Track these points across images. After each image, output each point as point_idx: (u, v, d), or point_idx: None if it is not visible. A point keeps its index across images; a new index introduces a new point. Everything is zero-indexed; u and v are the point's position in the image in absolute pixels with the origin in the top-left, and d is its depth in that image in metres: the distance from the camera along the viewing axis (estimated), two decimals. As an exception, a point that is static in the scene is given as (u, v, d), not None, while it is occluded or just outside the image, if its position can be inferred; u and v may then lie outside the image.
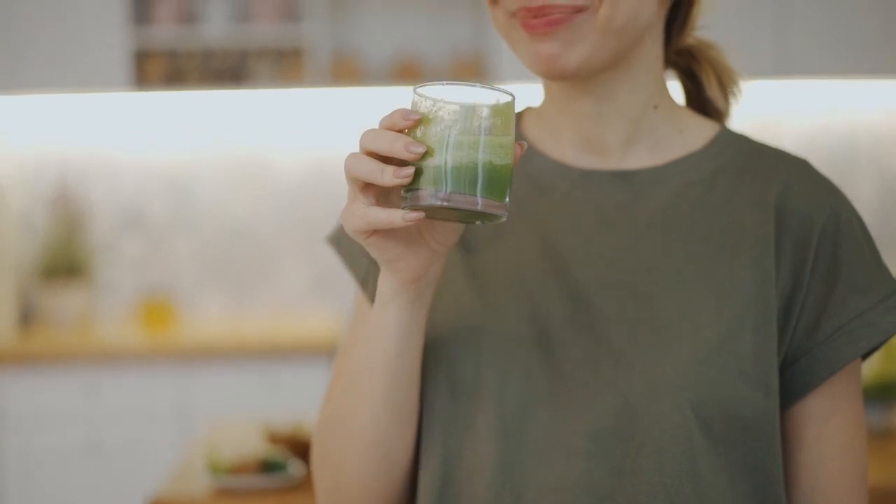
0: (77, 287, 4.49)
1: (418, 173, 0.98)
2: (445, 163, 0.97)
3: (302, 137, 4.74)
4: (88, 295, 4.55)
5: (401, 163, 0.98)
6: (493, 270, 1.16)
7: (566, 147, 1.20)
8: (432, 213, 1.00)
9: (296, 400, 3.89)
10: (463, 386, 1.13)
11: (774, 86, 4.62)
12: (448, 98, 0.99)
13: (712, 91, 1.25)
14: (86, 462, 4.12)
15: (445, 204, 0.97)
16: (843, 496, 1.15)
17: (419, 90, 1.00)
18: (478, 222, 1.01)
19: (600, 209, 1.17)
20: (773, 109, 4.72)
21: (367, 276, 1.25)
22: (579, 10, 1.07)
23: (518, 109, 1.28)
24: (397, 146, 0.97)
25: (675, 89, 1.26)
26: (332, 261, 4.69)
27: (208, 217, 4.73)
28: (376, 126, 1.00)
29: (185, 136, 4.72)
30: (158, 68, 4.52)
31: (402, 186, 0.99)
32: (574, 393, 1.09)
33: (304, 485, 2.29)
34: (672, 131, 1.20)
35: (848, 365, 1.13)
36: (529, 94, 1.30)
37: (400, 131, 0.98)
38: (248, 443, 2.54)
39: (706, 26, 1.24)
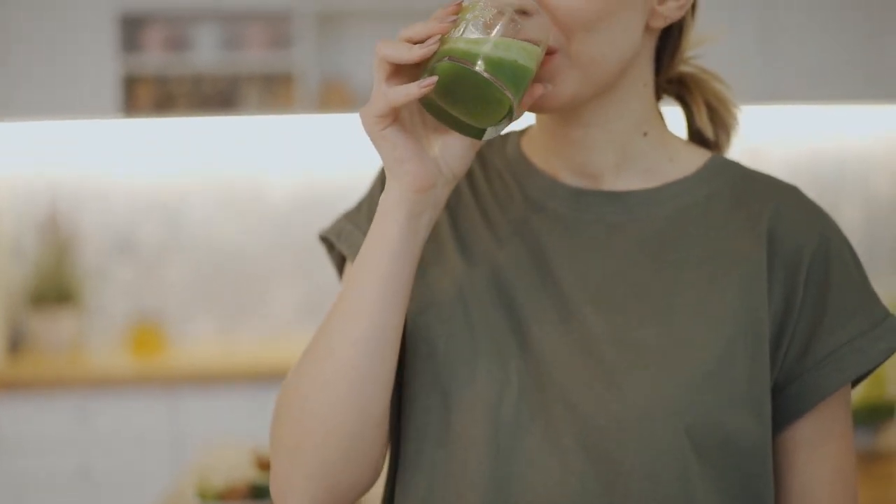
0: (67, 312, 4.48)
1: (440, 48, 1.01)
2: (471, 44, 1.00)
3: (291, 162, 4.75)
4: (79, 320, 4.55)
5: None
6: (486, 282, 1.17)
7: (559, 168, 1.21)
8: (443, 99, 1.02)
9: (286, 425, 3.89)
10: (456, 399, 1.12)
11: (762, 111, 4.65)
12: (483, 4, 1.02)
13: (702, 121, 1.25)
14: (76, 488, 4.11)
15: (458, 62, 1.00)
16: None
17: None
18: (485, 130, 1.04)
19: (593, 229, 1.17)
20: (761, 135, 4.74)
21: (353, 244, 1.24)
22: (551, 53, 1.08)
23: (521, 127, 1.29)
24: (431, 24, 1.01)
25: (675, 116, 1.26)
26: (322, 284, 4.70)
27: (199, 242, 4.74)
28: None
29: (175, 161, 4.73)
30: (148, 94, 4.53)
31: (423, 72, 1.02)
32: (567, 411, 1.10)
33: (296, 510, 2.29)
34: (662, 158, 1.20)
35: (838, 391, 1.14)
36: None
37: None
38: (238, 468, 2.54)
39: (699, 56, 1.25)
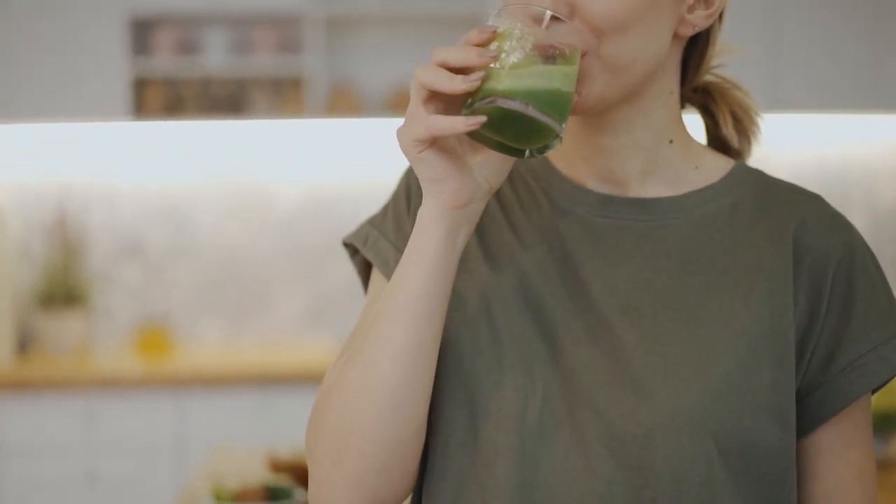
0: (75, 314, 4.50)
1: (484, 85, 1.01)
2: (514, 79, 1.00)
3: (299, 167, 4.77)
4: (86, 322, 4.56)
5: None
6: (512, 288, 1.17)
7: (585, 176, 1.21)
8: (489, 132, 1.03)
9: (294, 427, 3.88)
10: (482, 406, 1.13)
11: (767, 120, 4.66)
12: (521, 21, 1.02)
13: (727, 130, 1.27)
14: (83, 489, 4.12)
15: (507, 105, 1.00)
16: None
17: (497, 14, 1.04)
18: (529, 151, 1.04)
19: (620, 236, 1.18)
20: (766, 143, 4.75)
21: (388, 257, 1.24)
22: (582, 55, 1.08)
23: None
24: (470, 54, 1.01)
25: (697, 126, 1.27)
26: (329, 289, 4.71)
27: (206, 245, 4.75)
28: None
29: (184, 164, 4.75)
30: (158, 98, 4.55)
31: (465, 104, 1.02)
32: (594, 418, 1.10)
33: (309, 512, 2.31)
34: (688, 167, 1.21)
35: (860, 399, 1.16)
36: None
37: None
38: (251, 470, 2.56)
39: (724, 65, 1.26)
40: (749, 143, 1.30)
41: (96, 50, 4.41)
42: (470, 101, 1.02)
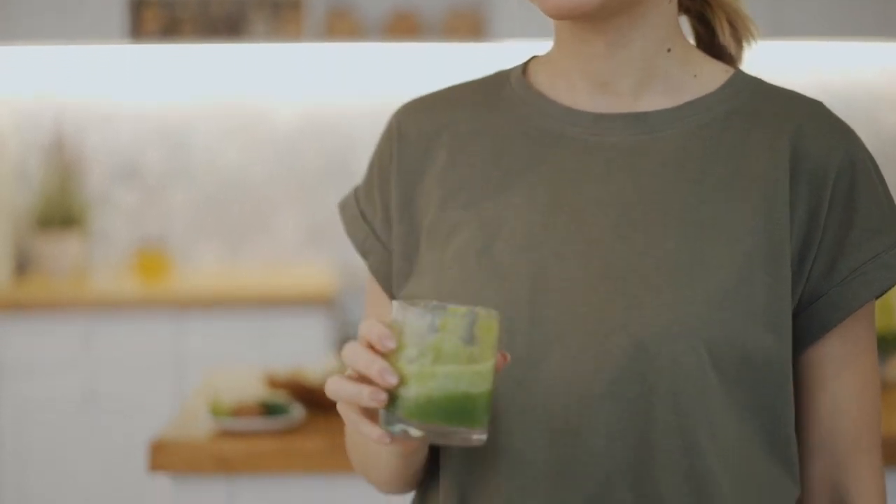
0: (72, 236, 4.50)
1: (394, 397, 1.00)
2: (419, 395, 0.99)
3: (298, 90, 4.74)
4: (84, 244, 4.56)
5: None
6: (501, 224, 1.17)
7: (579, 92, 1.20)
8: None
9: (291, 350, 3.92)
10: None
11: (769, 47, 4.63)
12: (425, 323, 1.00)
13: (725, 38, 1.26)
14: (81, 410, 4.14)
15: (417, 435, 1.00)
16: (863, 433, 1.18)
17: (401, 306, 1.01)
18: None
19: (614, 152, 1.17)
20: (769, 70, 4.72)
21: (366, 245, 1.27)
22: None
23: (523, 60, 1.29)
24: (373, 370, 1.01)
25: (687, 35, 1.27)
26: (327, 213, 4.71)
27: (204, 168, 4.74)
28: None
29: (181, 87, 4.72)
30: (155, 20, 4.51)
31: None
32: (586, 336, 1.10)
33: (306, 427, 2.32)
34: (686, 75, 1.20)
35: (863, 307, 1.16)
36: (528, 52, 1.30)
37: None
38: (248, 388, 2.57)
39: None
40: (743, 50, 1.28)
41: (93, -30, 4.37)
42: (385, 409, 1.02)
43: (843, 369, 1.17)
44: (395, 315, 1.02)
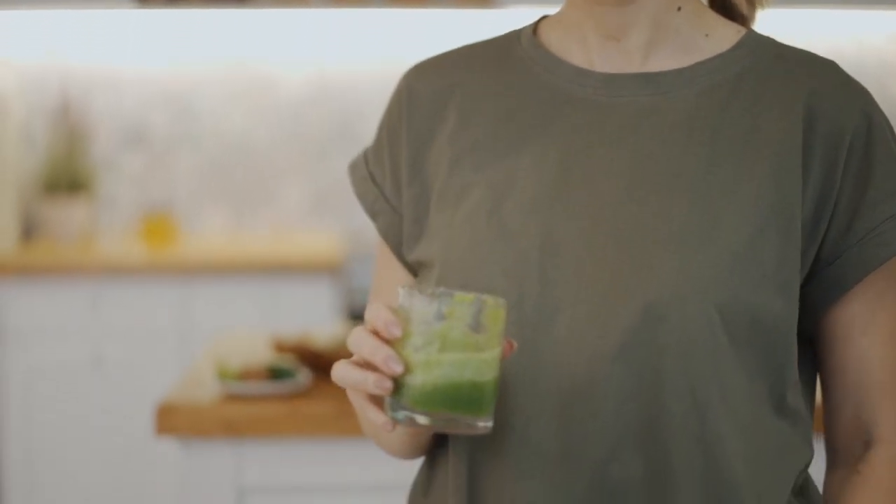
0: (79, 201, 4.49)
1: (400, 385, 1.00)
2: (424, 383, 0.98)
3: (305, 55, 4.72)
4: (90, 209, 4.56)
5: None
6: (511, 186, 1.16)
7: (590, 51, 1.20)
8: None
9: (297, 317, 3.91)
10: None
11: (779, 14, 4.60)
12: (432, 310, 0.99)
13: None
14: (88, 375, 4.14)
15: (422, 422, 1.00)
16: (892, 379, 1.18)
17: (408, 293, 1.01)
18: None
19: (625, 113, 1.16)
20: (778, 38, 4.70)
21: (375, 207, 1.26)
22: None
23: (533, 20, 1.28)
24: (378, 358, 1.00)
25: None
26: (334, 179, 4.70)
27: (210, 133, 4.73)
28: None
29: (188, 52, 4.71)
30: (161, -17, 4.48)
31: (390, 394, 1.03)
32: (596, 299, 1.10)
33: (313, 391, 2.32)
34: (697, 34, 1.20)
35: (883, 265, 1.15)
36: (535, 17, 1.29)
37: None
38: (255, 352, 2.57)
39: None
40: (755, 10, 1.28)
41: (99, -67, 4.35)
42: (390, 396, 1.02)
43: (869, 324, 1.17)
44: (401, 301, 1.02)
